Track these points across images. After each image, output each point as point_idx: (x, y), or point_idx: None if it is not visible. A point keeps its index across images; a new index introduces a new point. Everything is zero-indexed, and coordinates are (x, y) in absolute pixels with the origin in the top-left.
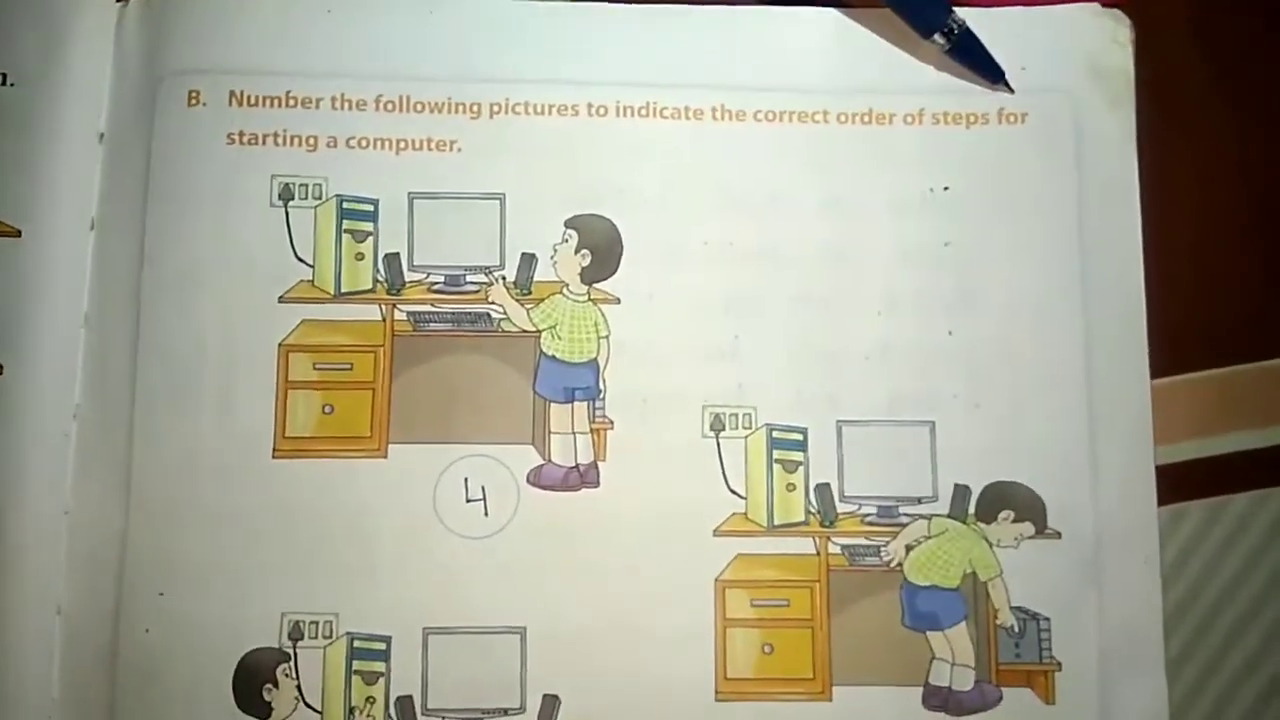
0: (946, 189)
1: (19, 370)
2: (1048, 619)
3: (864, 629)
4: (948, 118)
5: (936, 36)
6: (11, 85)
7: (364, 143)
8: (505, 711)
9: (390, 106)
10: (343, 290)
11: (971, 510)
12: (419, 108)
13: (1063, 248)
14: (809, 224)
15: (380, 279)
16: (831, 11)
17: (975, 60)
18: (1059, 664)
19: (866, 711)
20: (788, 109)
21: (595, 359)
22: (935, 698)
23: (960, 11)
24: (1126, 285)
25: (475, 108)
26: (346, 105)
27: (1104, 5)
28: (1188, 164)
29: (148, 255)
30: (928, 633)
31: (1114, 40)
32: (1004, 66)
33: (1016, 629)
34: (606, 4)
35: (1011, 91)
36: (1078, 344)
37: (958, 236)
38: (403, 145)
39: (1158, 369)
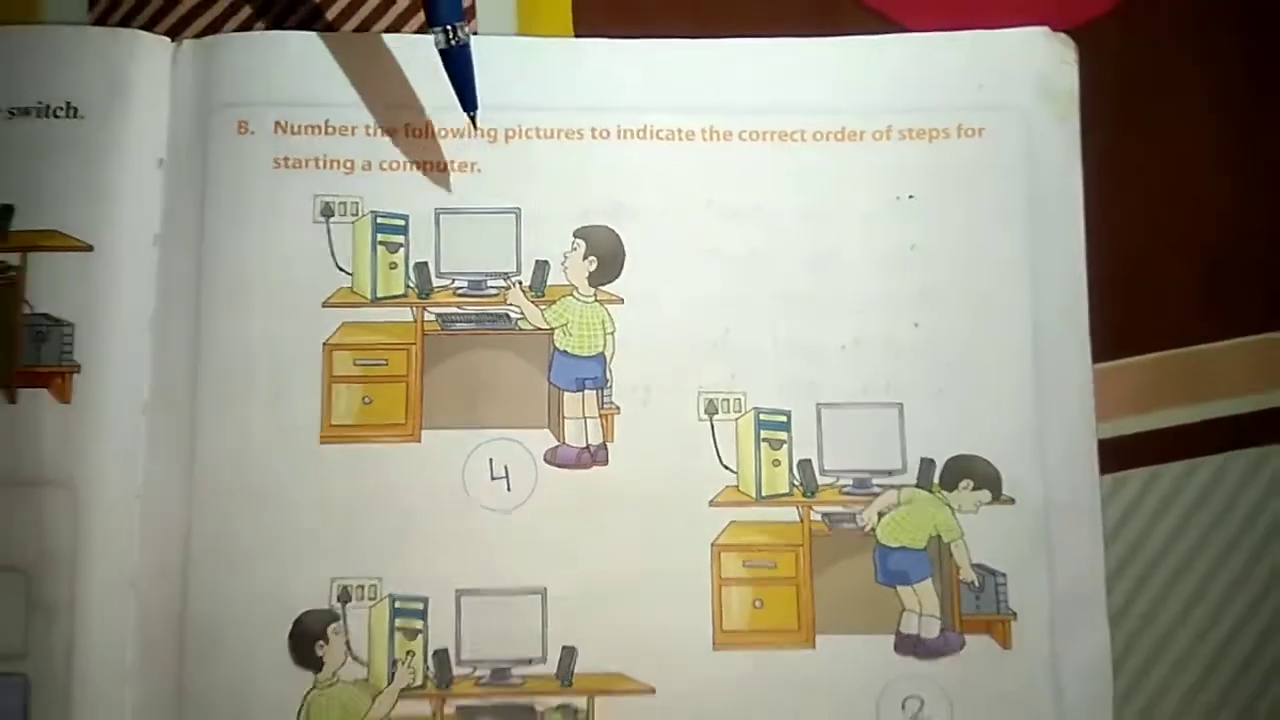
0: (912, 197)
1: (94, 369)
2: (1004, 575)
3: (842, 585)
4: (912, 133)
5: (438, 31)
6: (81, 118)
7: (395, 165)
8: (529, 661)
9: (417, 133)
10: (378, 296)
11: (936, 481)
12: (443, 134)
13: (1015, 248)
14: (790, 231)
15: (411, 285)
16: (807, 41)
17: (460, 78)
18: (1014, 614)
19: (846, 657)
20: (769, 129)
21: (602, 353)
22: (906, 644)
23: (923, 35)
24: (1071, 281)
25: (493, 133)
26: (378, 133)
27: (1052, 30)
28: (1125, 172)
29: (205, 267)
30: (898, 588)
31: (1061, 61)
32: (963, 84)
33: (976, 584)
34: (607, 40)
35: (476, 127)
36: (1028, 333)
37: (922, 240)
38: (429, 167)
39: (1098, 354)
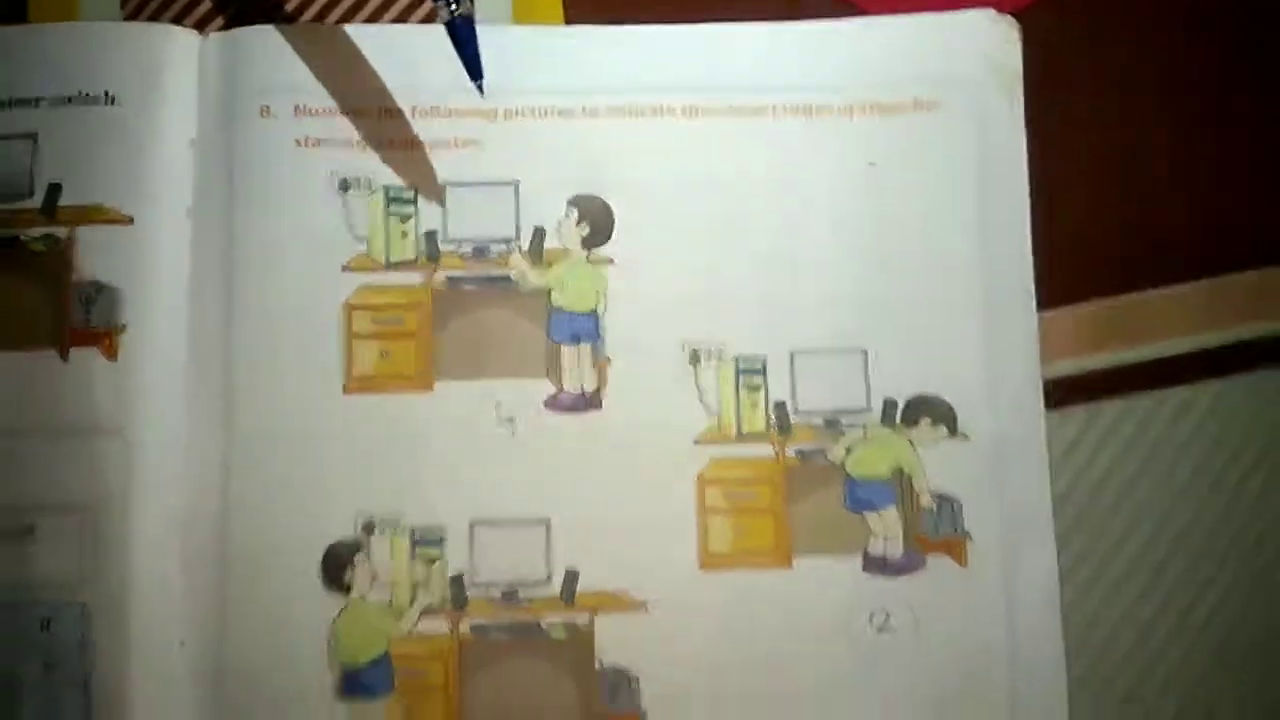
0: (874, 165)
1: (138, 329)
2: (960, 501)
3: (815, 513)
4: (873, 108)
5: (442, 5)
6: (119, 105)
7: (405, 143)
8: (535, 584)
9: (424, 114)
10: (392, 261)
11: (898, 419)
12: (448, 114)
13: (967, 210)
14: (763, 198)
15: (421, 251)
16: (778, 25)
17: (464, 49)
18: (969, 536)
19: (819, 576)
20: (743, 105)
21: (595, 309)
22: (873, 564)
23: (882, 18)
24: (1017, 238)
25: (492, 113)
26: (389, 114)
27: (998, 13)
28: (1065, 141)
29: (235, 237)
30: (865, 514)
31: (1006, 41)
32: (917, 63)
33: (935, 510)
34: (594, 27)
35: (482, 94)
36: (979, 285)
37: (883, 204)
38: (435, 144)
39: (1042, 303)
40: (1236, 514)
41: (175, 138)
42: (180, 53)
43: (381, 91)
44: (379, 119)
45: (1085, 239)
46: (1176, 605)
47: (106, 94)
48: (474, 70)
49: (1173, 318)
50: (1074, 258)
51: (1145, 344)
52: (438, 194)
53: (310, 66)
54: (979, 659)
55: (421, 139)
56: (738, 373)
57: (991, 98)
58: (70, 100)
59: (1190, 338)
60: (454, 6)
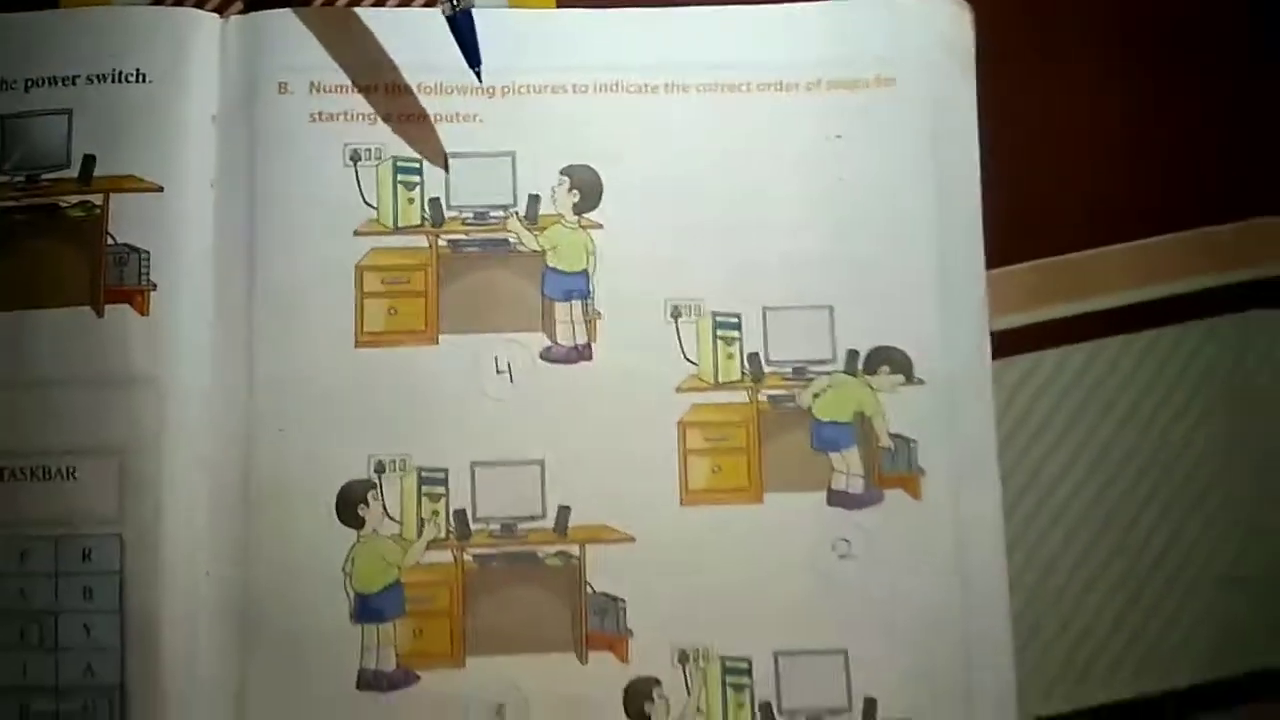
0: (839, 137)
1: (167, 288)
2: (915, 441)
3: (785, 452)
4: (838, 85)
5: (444, 2)
6: (149, 82)
7: (411, 117)
8: (531, 518)
9: (429, 90)
10: (399, 225)
11: (860, 367)
12: (450, 91)
13: (923, 178)
14: (738, 167)
15: (426, 217)
16: (751, 9)
17: (464, 40)
18: (923, 472)
19: (788, 509)
20: (720, 82)
21: (586, 269)
22: (836, 498)
23: (843, 2)
24: (968, 203)
25: (491, 90)
26: (397, 91)
27: None
28: (1013, 114)
29: (255, 204)
30: (830, 454)
31: (959, 22)
32: (878, 42)
33: (892, 449)
34: (584, 11)
35: (480, 81)
36: (933, 246)
37: (847, 173)
38: (438, 119)
39: (991, 262)
40: (1165, 452)
41: (199, 113)
42: (204, 34)
43: (390, 70)
44: (387, 95)
45: (1030, 205)
46: (1113, 534)
47: (137, 72)
48: (472, 59)
49: (1107, 276)
50: (1019, 222)
51: (1082, 299)
52: (442, 162)
53: (324, 47)
54: (931, 581)
55: (426, 113)
56: (715, 327)
57: (946, 74)
58: (103, 78)
59: (1122, 294)
60: (455, 1)
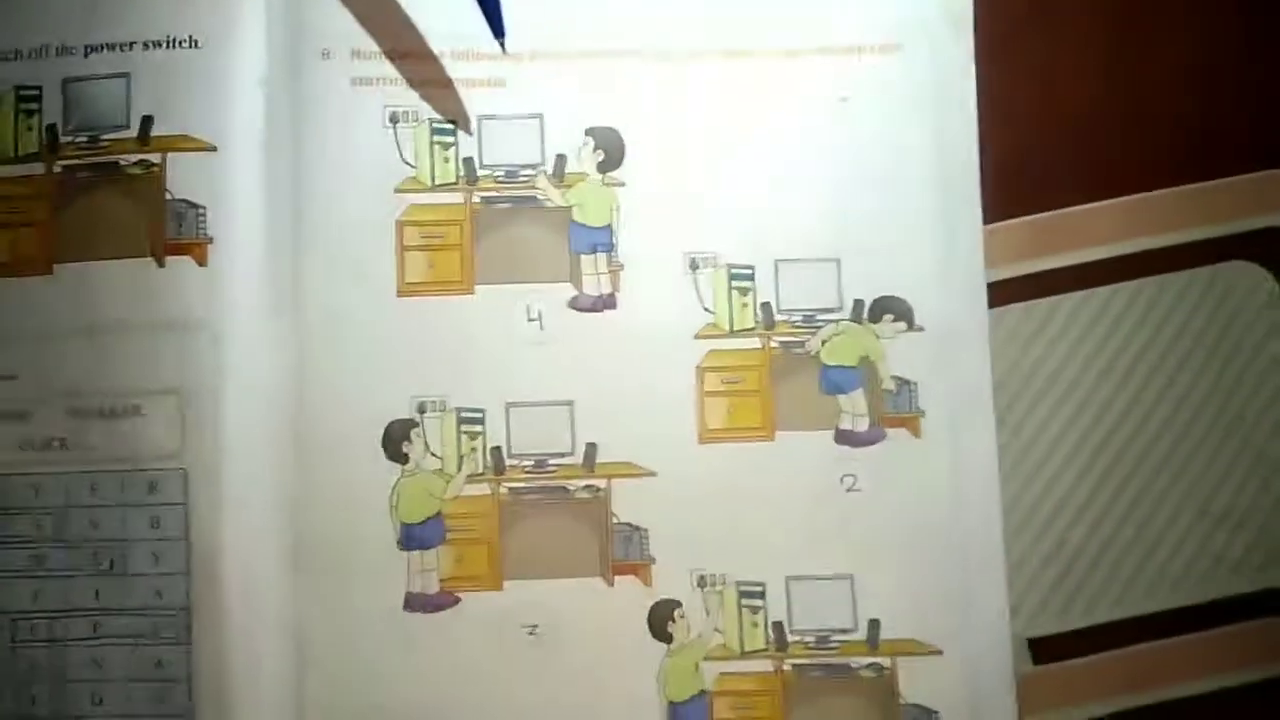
0: (845, 100)
1: (222, 240)
2: (916, 383)
3: (794, 394)
4: (846, 50)
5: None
6: (201, 48)
7: (445, 82)
8: (561, 454)
9: (461, 57)
10: (436, 183)
11: (865, 316)
12: (480, 57)
13: (924, 137)
14: (752, 128)
15: (461, 175)
16: None
17: (489, 12)
18: (923, 412)
19: (798, 447)
20: (734, 48)
21: (610, 224)
22: (843, 436)
23: None
24: (966, 160)
25: (519, 55)
26: (432, 57)
27: None
28: (1010, 75)
29: (302, 163)
30: (837, 395)
31: None
32: (884, 10)
33: (895, 391)
34: None
35: (504, 50)
36: (934, 202)
37: (853, 133)
38: (470, 83)
39: (988, 217)
40: (1148, 393)
41: (248, 77)
42: (250, 4)
43: (424, 37)
44: (422, 61)
45: (1023, 163)
46: (1100, 466)
47: (190, 38)
48: (497, 29)
49: (1095, 230)
50: (1014, 178)
51: (1072, 252)
52: (466, 124)
53: (364, 15)
54: (930, 513)
55: (458, 78)
56: (730, 278)
57: (946, 40)
58: (158, 44)
59: (1109, 246)
60: None
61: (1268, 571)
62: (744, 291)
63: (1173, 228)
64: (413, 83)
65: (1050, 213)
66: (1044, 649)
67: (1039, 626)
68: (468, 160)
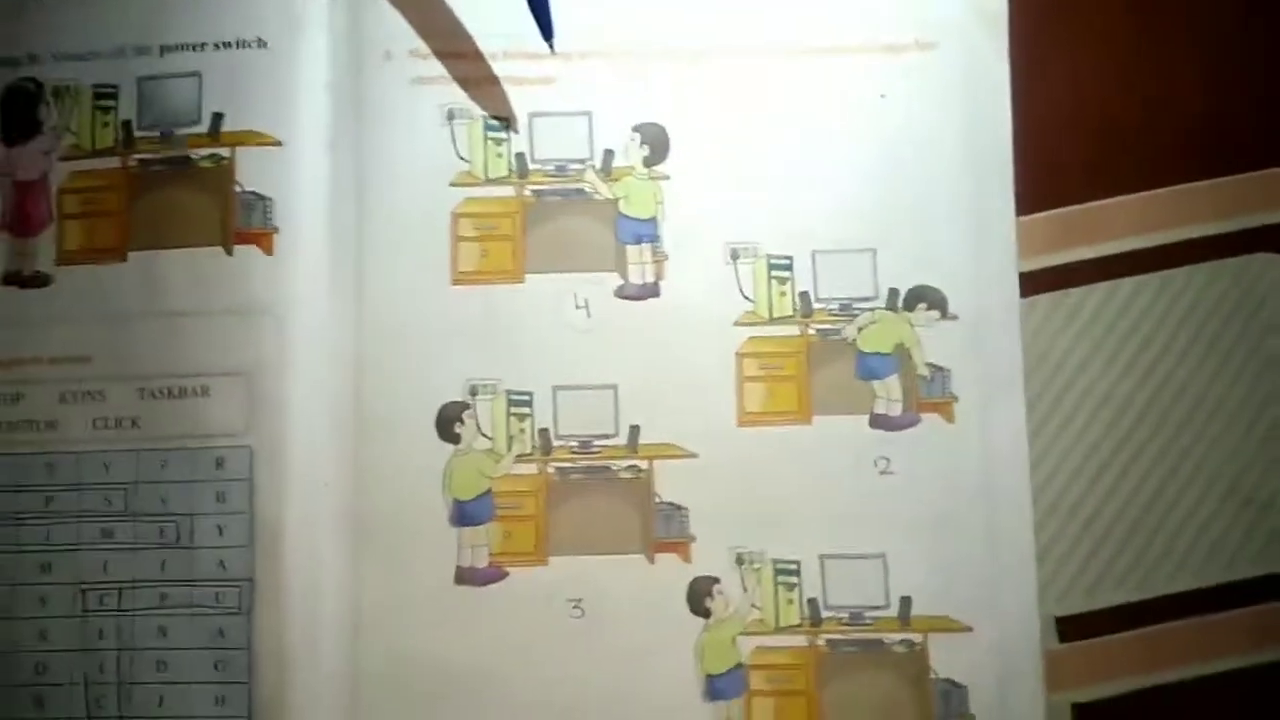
0: (884, 96)
1: (288, 230)
2: (949, 370)
3: (832, 380)
4: (884, 48)
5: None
6: (269, 49)
7: (497, 80)
8: (606, 436)
9: (513, 57)
10: (489, 177)
11: (900, 304)
12: (529, 57)
13: (958, 132)
14: (790, 124)
15: (513, 169)
16: None
17: (540, 17)
18: (956, 398)
19: (835, 430)
20: (776, 46)
21: (654, 216)
22: (878, 421)
23: None
24: (1000, 155)
25: (566, 55)
26: (485, 57)
27: None
28: (1041, 74)
29: (363, 158)
30: (872, 381)
31: None
32: (920, 10)
33: (929, 377)
34: None
35: (553, 51)
36: (968, 196)
37: (891, 128)
38: (524, 81)
39: (1020, 210)
40: (1174, 381)
41: (312, 76)
42: (316, 7)
43: (478, 38)
44: (476, 60)
45: (1056, 157)
46: (1127, 451)
47: (258, 39)
48: (546, 32)
49: (1124, 223)
50: (1045, 172)
51: (1101, 244)
52: (514, 122)
53: (422, 18)
54: (962, 495)
55: (509, 76)
56: (769, 268)
57: (981, 39)
58: (228, 45)
59: (1137, 238)
60: None
61: None
62: (783, 281)
63: (1198, 221)
64: (465, 82)
65: (1080, 206)
66: (1070, 627)
67: (1066, 605)
68: (519, 155)
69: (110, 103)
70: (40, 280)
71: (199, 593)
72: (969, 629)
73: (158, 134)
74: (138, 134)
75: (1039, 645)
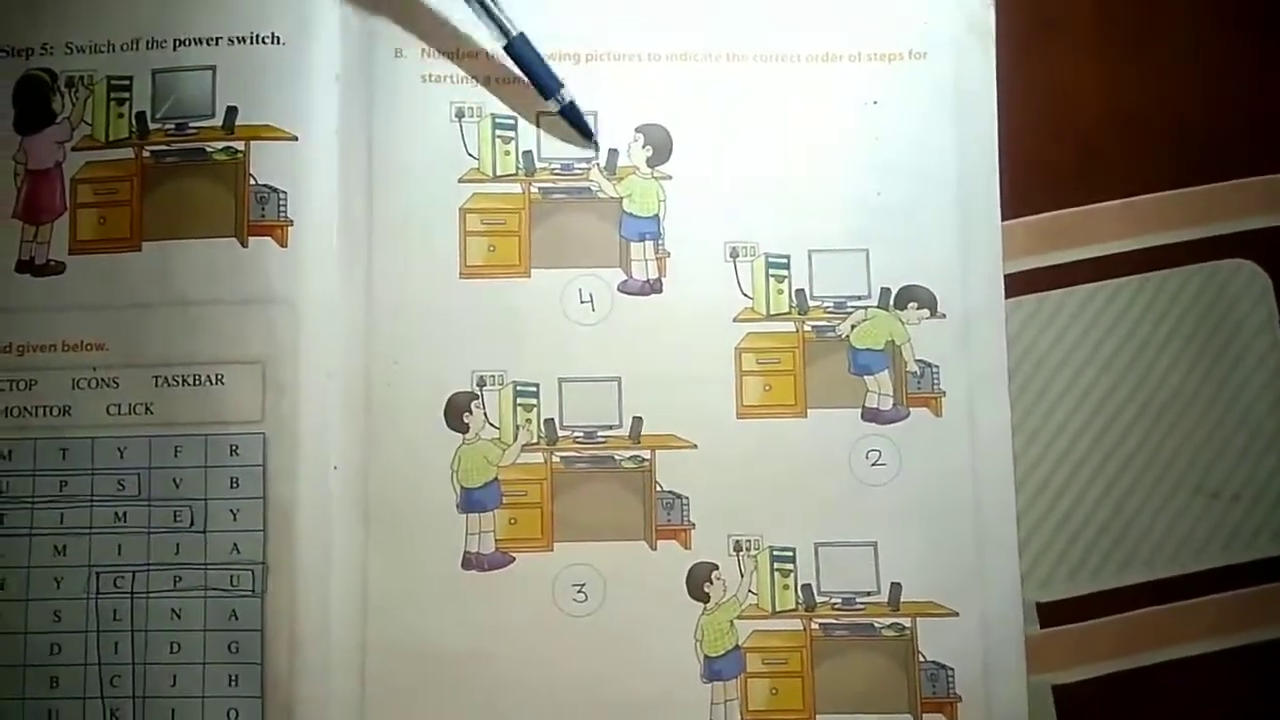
0: (876, 102)
1: (301, 222)
2: (938, 366)
3: (826, 375)
4: (878, 56)
5: (550, 101)
6: (283, 44)
7: (506, 80)
8: (610, 427)
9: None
10: (497, 174)
11: (891, 303)
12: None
13: (948, 138)
14: (789, 127)
15: (520, 166)
16: None
17: (576, 124)
18: (944, 393)
19: (829, 423)
20: (773, 53)
21: (657, 214)
22: (869, 414)
23: None
24: (987, 161)
25: (575, 56)
26: (494, 57)
27: None
28: (1026, 85)
29: (374, 153)
30: (865, 376)
31: (982, 4)
32: (912, 21)
33: (918, 373)
34: None
35: (596, 150)
36: (956, 200)
37: (883, 134)
38: (529, 82)
39: (1006, 214)
40: (1150, 379)
41: (325, 72)
42: (329, 4)
43: (488, 38)
44: (487, 60)
45: (1039, 163)
46: (1104, 445)
47: (273, 35)
48: (545, 89)
49: (1104, 228)
50: (1030, 178)
51: (1082, 247)
52: (531, 119)
53: (433, 18)
54: (949, 485)
55: (520, 79)
56: (767, 266)
57: (970, 49)
58: (242, 40)
59: (1116, 243)
60: (561, 101)
61: (1262, 542)
62: (780, 279)
63: (1174, 227)
64: (478, 80)
65: (1063, 211)
66: (1051, 612)
67: (1047, 591)
68: (526, 153)
69: (124, 94)
70: (54, 268)
71: (213, 575)
72: (955, 614)
73: (172, 126)
74: (152, 126)
75: (1021, 629)
